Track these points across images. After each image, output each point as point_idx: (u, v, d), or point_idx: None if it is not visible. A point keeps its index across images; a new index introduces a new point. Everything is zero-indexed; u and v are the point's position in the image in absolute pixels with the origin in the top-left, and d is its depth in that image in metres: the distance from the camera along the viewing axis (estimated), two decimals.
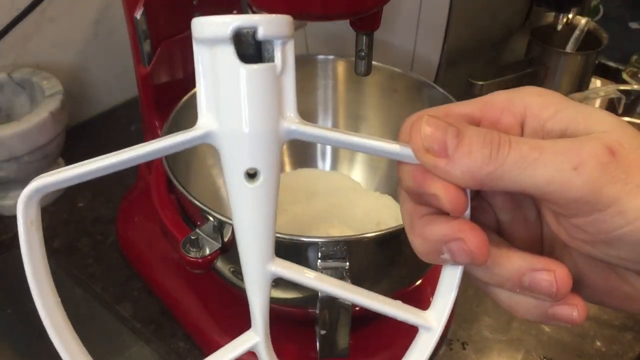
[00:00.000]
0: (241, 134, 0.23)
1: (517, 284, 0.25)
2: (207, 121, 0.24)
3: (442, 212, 0.25)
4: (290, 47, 0.24)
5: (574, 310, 0.25)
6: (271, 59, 0.24)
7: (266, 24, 0.23)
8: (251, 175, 0.24)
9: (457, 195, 0.23)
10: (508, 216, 0.27)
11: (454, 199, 0.23)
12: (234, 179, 0.24)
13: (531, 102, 0.25)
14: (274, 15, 0.23)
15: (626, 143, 0.22)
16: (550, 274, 0.24)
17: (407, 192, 0.26)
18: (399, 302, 0.28)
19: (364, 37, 0.53)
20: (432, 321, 0.28)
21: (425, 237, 0.25)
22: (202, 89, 0.24)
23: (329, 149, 0.67)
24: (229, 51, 0.23)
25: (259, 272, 0.26)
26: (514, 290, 0.25)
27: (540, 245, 0.27)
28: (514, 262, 0.25)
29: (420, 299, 0.59)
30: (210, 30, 0.23)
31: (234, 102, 0.23)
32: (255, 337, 0.28)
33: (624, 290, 0.25)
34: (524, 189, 0.23)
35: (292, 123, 0.24)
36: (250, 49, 0.23)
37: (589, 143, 0.22)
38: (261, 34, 0.23)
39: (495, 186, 0.23)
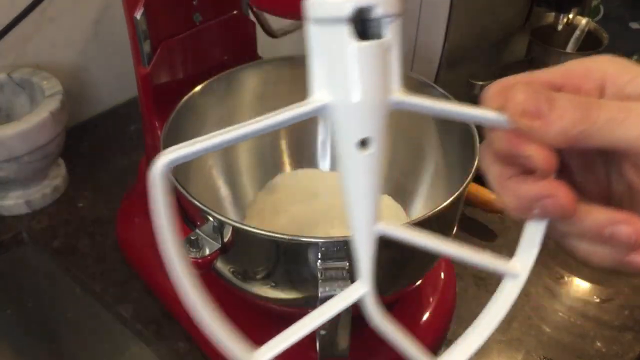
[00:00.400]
0: (355, 106, 0.26)
1: (598, 236, 0.28)
2: (321, 95, 0.26)
3: (529, 173, 0.27)
4: (398, 24, 0.26)
5: None
6: (378, 35, 0.25)
7: (384, 3, 0.25)
8: (363, 143, 0.26)
9: (549, 155, 0.26)
10: (582, 175, 0.30)
11: (547, 159, 0.26)
12: (347, 148, 0.26)
13: (609, 69, 0.28)
14: None
15: None
16: (629, 226, 0.27)
17: (496, 155, 0.29)
18: (485, 253, 0.30)
19: None
20: (518, 269, 0.30)
21: (518, 196, 0.28)
22: (316, 65, 0.26)
23: (328, 149, 0.67)
24: (345, 30, 0.25)
25: (367, 232, 0.28)
26: (593, 241, 0.28)
27: (608, 201, 0.30)
28: (596, 216, 0.27)
29: (420, 299, 0.59)
30: (328, 10, 0.25)
31: (348, 78, 0.25)
32: (363, 287, 0.29)
33: None
34: (614, 144, 0.26)
35: (400, 95, 0.27)
36: (360, 26, 0.25)
37: None
38: (378, 12, 0.25)
39: (585, 144, 0.26)
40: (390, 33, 0.25)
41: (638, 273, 0.26)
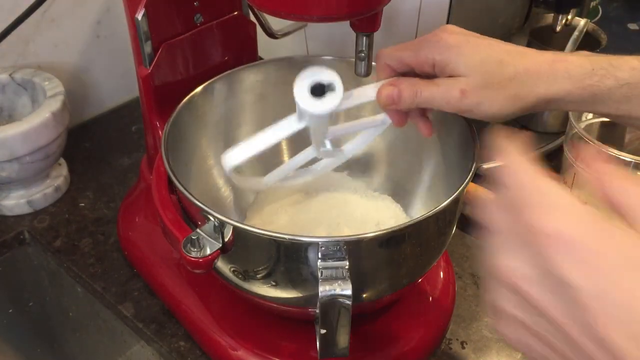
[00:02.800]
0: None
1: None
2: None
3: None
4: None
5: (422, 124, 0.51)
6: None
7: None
8: None
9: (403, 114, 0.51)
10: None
11: (402, 116, 0.51)
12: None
13: (436, 58, 0.46)
14: None
15: (472, 84, 0.45)
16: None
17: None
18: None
19: (364, 37, 0.53)
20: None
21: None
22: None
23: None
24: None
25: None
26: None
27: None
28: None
29: (420, 299, 0.60)
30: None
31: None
32: (315, 152, 0.47)
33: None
34: (432, 107, 0.48)
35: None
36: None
37: (456, 84, 0.45)
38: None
39: (417, 107, 0.48)
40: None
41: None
